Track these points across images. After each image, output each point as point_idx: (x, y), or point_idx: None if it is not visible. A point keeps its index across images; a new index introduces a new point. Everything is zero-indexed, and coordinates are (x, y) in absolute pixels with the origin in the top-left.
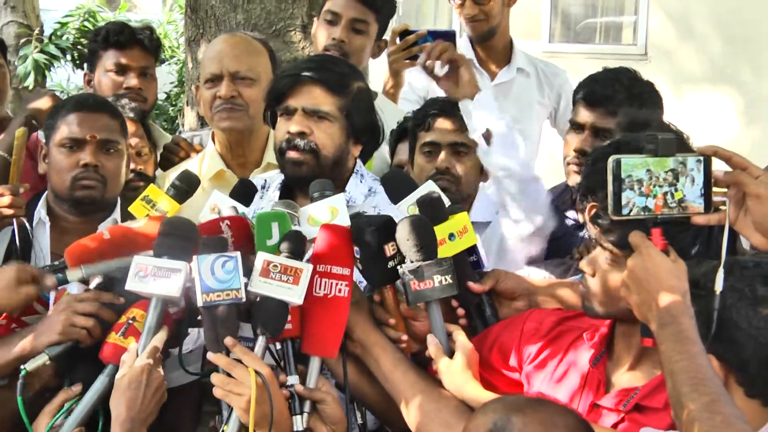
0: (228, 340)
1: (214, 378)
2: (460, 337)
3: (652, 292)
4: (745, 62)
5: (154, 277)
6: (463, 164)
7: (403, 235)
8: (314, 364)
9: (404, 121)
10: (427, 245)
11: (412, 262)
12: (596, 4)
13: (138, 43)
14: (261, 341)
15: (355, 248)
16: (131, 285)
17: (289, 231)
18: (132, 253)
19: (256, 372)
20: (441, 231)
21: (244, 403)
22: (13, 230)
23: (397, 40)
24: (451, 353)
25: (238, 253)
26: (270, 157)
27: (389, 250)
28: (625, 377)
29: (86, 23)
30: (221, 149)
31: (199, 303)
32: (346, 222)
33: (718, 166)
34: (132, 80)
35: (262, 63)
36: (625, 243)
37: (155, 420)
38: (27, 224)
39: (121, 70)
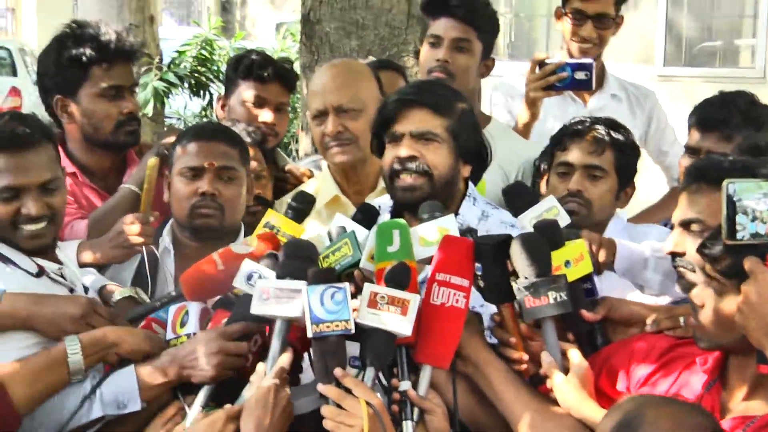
0: (338, 371)
1: (324, 410)
2: (575, 356)
3: (767, 318)
4: None
5: (277, 299)
6: (597, 188)
7: (518, 252)
8: (426, 372)
9: None
10: (541, 262)
11: (526, 278)
12: (712, 27)
13: (279, 78)
14: (370, 372)
15: (477, 265)
16: (256, 308)
17: (396, 263)
18: None
19: (367, 403)
20: (557, 257)
21: None
22: (142, 257)
23: (537, 70)
24: (565, 371)
25: (347, 284)
26: None
27: (510, 266)
28: (741, 406)
29: (203, 52)
30: (336, 175)
31: (309, 334)
32: None
33: None
34: (267, 115)
35: (365, 89)
36: (734, 272)
37: None
38: (156, 251)
39: (259, 103)
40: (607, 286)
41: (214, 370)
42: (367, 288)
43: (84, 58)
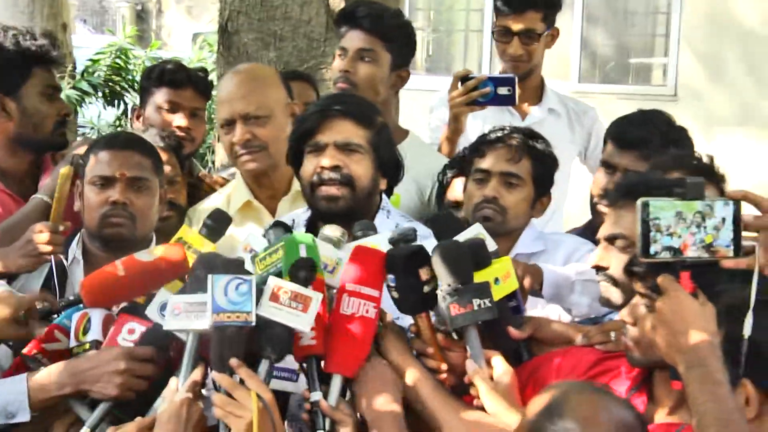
0: (233, 361)
1: (215, 397)
2: (499, 363)
3: (680, 335)
4: None
5: (187, 314)
6: (513, 195)
7: (439, 261)
8: (336, 382)
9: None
10: (463, 269)
11: (449, 286)
12: (626, 44)
13: (192, 84)
14: (264, 365)
15: (390, 276)
16: (168, 324)
17: (302, 258)
18: (152, 286)
19: (258, 396)
20: (486, 275)
21: (243, 426)
22: (51, 267)
23: (459, 85)
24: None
25: (253, 277)
26: (299, 184)
27: (424, 274)
28: (665, 420)
29: (117, 60)
30: (249, 181)
31: (209, 323)
32: None
33: (748, 211)
34: (182, 120)
35: (273, 95)
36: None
37: None
38: (64, 261)
39: (173, 108)
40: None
41: (117, 389)
42: (271, 281)
43: (29, 56)
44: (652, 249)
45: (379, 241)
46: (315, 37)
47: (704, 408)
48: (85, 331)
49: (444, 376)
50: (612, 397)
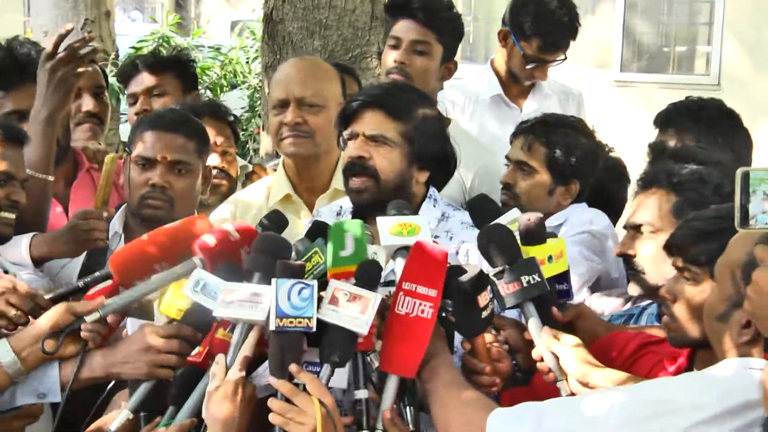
0: (293, 367)
1: (273, 404)
2: (564, 337)
3: None
4: None
5: (241, 303)
6: (525, 182)
7: (485, 243)
8: (391, 382)
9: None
10: (509, 248)
11: (496, 267)
12: (669, 33)
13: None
14: (327, 369)
15: (447, 301)
16: (219, 311)
17: (365, 260)
18: (180, 255)
19: (320, 402)
20: (542, 251)
21: None
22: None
23: None
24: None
25: (315, 282)
26: (338, 182)
27: (482, 300)
28: None
29: (160, 48)
30: (290, 173)
31: (272, 327)
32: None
33: None
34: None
35: (330, 88)
36: (704, 260)
37: None
38: (107, 241)
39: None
40: None
41: (146, 366)
42: (332, 285)
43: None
44: (751, 220)
45: (419, 221)
46: (360, 26)
47: None
48: None
49: (495, 389)
50: None
